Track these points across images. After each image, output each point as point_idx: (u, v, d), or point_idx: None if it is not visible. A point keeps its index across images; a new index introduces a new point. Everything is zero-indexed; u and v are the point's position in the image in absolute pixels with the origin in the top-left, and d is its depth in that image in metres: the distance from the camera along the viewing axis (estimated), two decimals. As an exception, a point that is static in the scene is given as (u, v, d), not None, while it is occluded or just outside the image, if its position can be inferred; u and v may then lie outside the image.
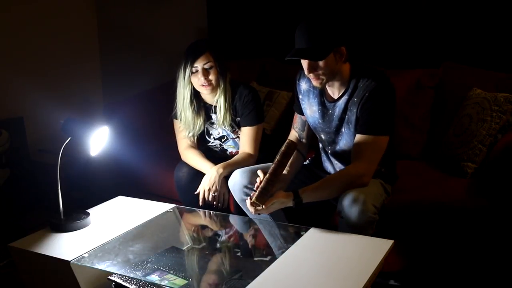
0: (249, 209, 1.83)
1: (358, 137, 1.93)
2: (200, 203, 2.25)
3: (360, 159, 1.90)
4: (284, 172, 1.98)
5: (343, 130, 2.01)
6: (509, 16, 2.65)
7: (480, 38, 2.74)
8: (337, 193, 1.89)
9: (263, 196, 1.80)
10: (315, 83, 1.94)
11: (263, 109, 2.57)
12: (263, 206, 1.80)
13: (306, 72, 1.92)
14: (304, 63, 1.91)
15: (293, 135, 2.23)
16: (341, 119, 2.00)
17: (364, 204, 1.80)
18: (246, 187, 2.04)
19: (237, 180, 2.07)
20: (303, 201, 1.84)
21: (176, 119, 2.47)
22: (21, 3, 3.24)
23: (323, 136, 2.11)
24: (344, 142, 2.03)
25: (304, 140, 2.21)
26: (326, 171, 2.17)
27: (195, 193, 2.27)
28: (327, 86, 2.01)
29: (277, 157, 1.83)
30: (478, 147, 2.27)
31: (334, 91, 2.01)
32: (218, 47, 2.36)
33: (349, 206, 1.80)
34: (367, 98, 1.90)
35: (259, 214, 1.86)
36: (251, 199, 1.81)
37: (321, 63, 1.87)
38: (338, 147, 2.07)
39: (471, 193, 2.14)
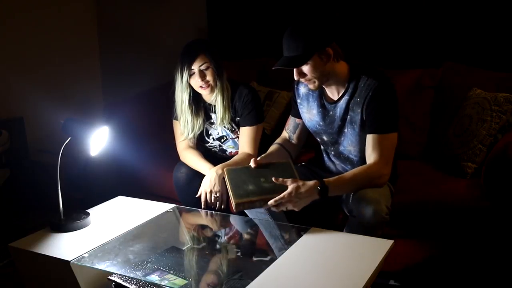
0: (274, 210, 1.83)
1: (370, 137, 1.93)
2: (203, 206, 2.25)
3: (377, 159, 1.90)
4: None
5: (346, 130, 2.01)
6: (509, 16, 2.65)
7: (480, 38, 2.74)
8: (355, 191, 1.88)
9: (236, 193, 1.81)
10: (310, 86, 1.96)
11: (263, 109, 2.57)
12: (283, 206, 1.78)
13: (295, 78, 1.94)
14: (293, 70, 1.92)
15: (284, 135, 2.24)
16: (343, 120, 2.00)
17: (378, 205, 1.80)
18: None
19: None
20: (329, 194, 1.82)
21: (175, 119, 2.47)
22: (21, 4, 3.24)
23: (325, 138, 2.11)
24: (348, 142, 2.03)
25: (293, 141, 2.22)
26: (328, 171, 2.17)
27: (197, 196, 2.27)
28: (325, 88, 2.02)
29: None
30: (478, 147, 2.27)
31: (333, 92, 2.01)
32: (212, 46, 2.35)
33: (363, 206, 1.80)
34: (371, 98, 1.90)
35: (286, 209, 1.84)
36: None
37: (305, 68, 1.89)
38: (341, 147, 2.07)
39: (471, 193, 2.14)
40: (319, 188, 1.80)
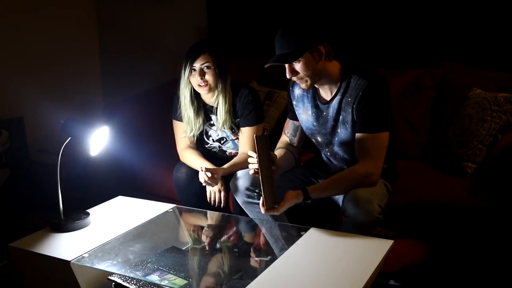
0: (262, 212, 1.83)
1: (359, 136, 1.93)
2: (216, 205, 2.30)
3: (366, 158, 1.91)
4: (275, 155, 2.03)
5: (338, 130, 2.02)
6: (509, 16, 2.65)
7: (480, 38, 2.74)
8: (345, 191, 1.90)
9: (272, 198, 1.80)
10: (302, 85, 1.96)
11: (263, 110, 2.57)
12: (276, 207, 1.81)
13: (287, 76, 1.94)
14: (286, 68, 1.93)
15: (284, 139, 2.23)
16: (336, 120, 2.00)
17: (370, 204, 1.80)
18: (248, 189, 2.04)
19: (239, 182, 2.07)
20: (312, 198, 1.86)
21: (176, 119, 2.47)
22: (21, 4, 3.24)
23: (319, 139, 2.11)
24: (341, 142, 2.03)
25: (295, 144, 2.21)
26: (327, 171, 2.17)
27: (208, 199, 2.33)
28: (319, 88, 2.02)
29: (257, 158, 1.81)
30: (478, 147, 2.27)
31: (326, 92, 2.02)
32: (219, 49, 2.36)
33: (355, 206, 1.81)
34: (361, 97, 1.91)
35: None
36: (263, 205, 1.81)
37: (297, 65, 1.89)
38: (336, 148, 2.07)
39: (471, 193, 2.14)
40: (303, 198, 1.86)
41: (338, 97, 1.98)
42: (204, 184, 2.23)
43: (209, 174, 2.17)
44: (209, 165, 2.30)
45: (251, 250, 1.99)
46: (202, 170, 2.18)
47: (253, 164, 1.88)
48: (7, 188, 2.99)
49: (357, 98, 1.92)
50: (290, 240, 1.82)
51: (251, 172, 1.90)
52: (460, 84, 2.56)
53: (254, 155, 1.85)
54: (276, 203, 1.81)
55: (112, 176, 2.98)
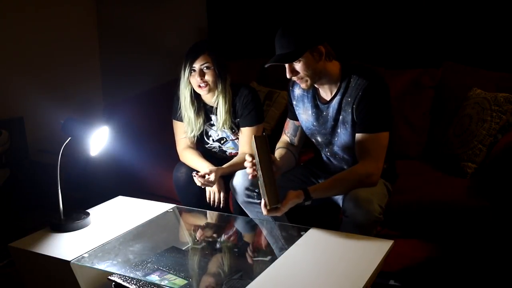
0: (263, 213, 1.83)
1: (359, 136, 1.93)
2: (216, 206, 2.30)
3: (366, 158, 1.91)
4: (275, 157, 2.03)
5: (338, 130, 2.02)
6: (509, 16, 2.65)
7: (480, 38, 2.74)
8: (346, 192, 1.90)
9: (275, 197, 1.80)
10: (302, 85, 1.96)
11: (263, 110, 2.57)
12: (279, 206, 1.80)
13: (287, 76, 1.94)
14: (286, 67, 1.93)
15: (284, 139, 2.23)
16: (336, 120, 2.01)
17: (370, 204, 1.81)
18: (247, 189, 2.04)
19: (238, 182, 2.07)
20: (313, 198, 1.86)
21: (176, 120, 2.47)
22: (21, 4, 3.24)
23: (319, 139, 2.11)
24: (341, 142, 2.03)
25: (295, 144, 2.21)
26: (327, 171, 2.17)
27: (208, 200, 2.33)
28: (319, 88, 2.02)
29: (257, 157, 1.81)
30: (478, 147, 2.27)
31: (326, 92, 2.02)
32: (219, 49, 2.36)
33: (355, 206, 1.81)
34: (361, 97, 1.91)
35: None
36: (265, 206, 1.80)
37: (297, 66, 1.89)
38: (335, 148, 2.07)
39: (471, 193, 2.14)
40: (303, 198, 1.85)
41: (338, 97, 1.98)
42: (202, 186, 2.24)
43: (206, 177, 2.17)
44: (208, 166, 2.30)
45: (251, 250, 1.99)
46: (194, 176, 2.18)
47: (250, 168, 1.88)
48: (7, 188, 2.99)
49: (357, 98, 1.92)
50: (290, 240, 1.82)
51: (250, 177, 1.91)
52: (460, 84, 2.56)
53: (250, 158, 1.85)
54: (279, 202, 1.80)
55: (112, 176, 2.98)
